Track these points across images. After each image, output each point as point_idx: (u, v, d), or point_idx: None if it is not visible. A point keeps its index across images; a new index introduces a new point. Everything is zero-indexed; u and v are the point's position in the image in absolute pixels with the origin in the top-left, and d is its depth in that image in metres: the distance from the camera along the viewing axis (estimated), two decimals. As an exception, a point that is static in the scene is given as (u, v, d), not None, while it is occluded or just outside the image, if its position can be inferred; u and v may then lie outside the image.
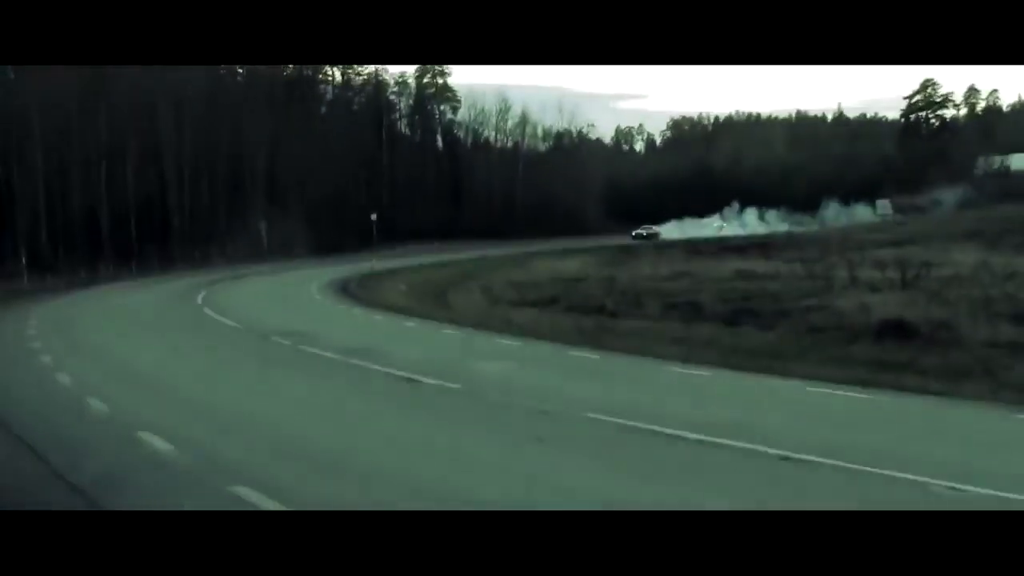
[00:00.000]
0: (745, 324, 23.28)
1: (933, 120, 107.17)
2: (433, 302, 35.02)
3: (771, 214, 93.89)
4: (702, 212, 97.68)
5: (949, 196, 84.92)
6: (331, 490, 8.81)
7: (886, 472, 8.93)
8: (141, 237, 69.48)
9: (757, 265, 40.03)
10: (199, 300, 36.39)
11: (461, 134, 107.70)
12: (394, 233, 78.52)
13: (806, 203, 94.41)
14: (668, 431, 11.00)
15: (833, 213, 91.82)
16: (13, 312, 34.15)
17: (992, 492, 8.23)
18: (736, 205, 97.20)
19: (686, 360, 17.91)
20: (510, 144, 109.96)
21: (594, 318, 26.33)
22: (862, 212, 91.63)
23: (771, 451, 9.85)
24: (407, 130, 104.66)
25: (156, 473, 9.71)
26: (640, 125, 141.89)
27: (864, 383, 14.83)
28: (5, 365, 19.58)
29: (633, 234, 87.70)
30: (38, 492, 9.05)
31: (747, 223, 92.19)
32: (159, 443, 10.88)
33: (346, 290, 40.94)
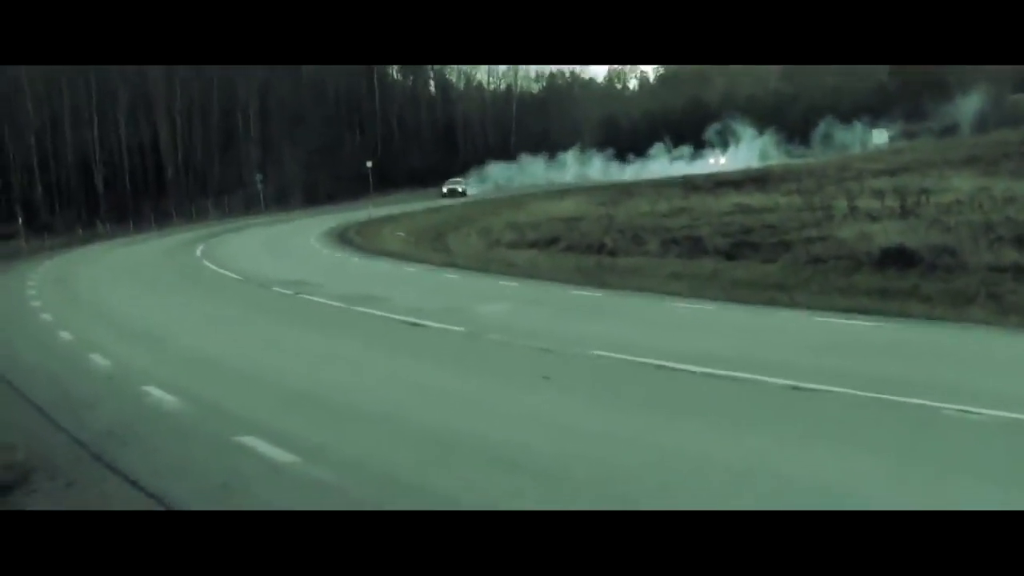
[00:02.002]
0: (746, 257, 23.20)
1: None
2: (432, 247, 34.94)
3: (767, 146, 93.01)
4: (697, 146, 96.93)
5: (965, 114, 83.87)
6: (337, 437, 8.77)
7: (896, 398, 8.87)
8: (136, 192, 69.33)
9: (755, 199, 39.81)
10: (198, 253, 36.33)
11: (453, 78, 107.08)
12: (390, 179, 78.23)
13: (802, 134, 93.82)
14: (674, 365, 10.94)
15: (829, 143, 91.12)
16: (12, 271, 34.11)
17: (1003, 413, 8.18)
18: (729, 139, 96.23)
19: (688, 295, 17.87)
20: (503, 87, 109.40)
21: (594, 257, 26.26)
22: (858, 140, 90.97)
23: (779, 381, 9.80)
24: (399, 75, 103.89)
25: (161, 425, 9.67)
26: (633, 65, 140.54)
27: (869, 311, 14.79)
28: (6, 324, 19.53)
29: (445, 190, 79.36)
30: (44, 448, 9.01)
31: (741, 156, 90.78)
32: (163, 396, 10.85)
33: (345, 238, 40.87)
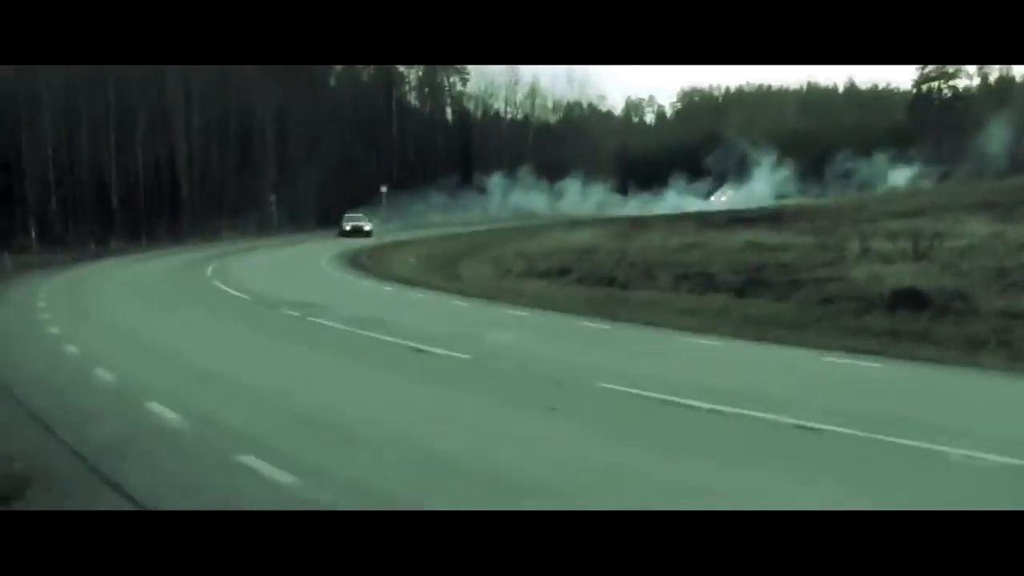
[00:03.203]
0: (757, 295, 23.17)
1: (946, 91, 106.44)
2: (443, 274, 34.96)
3: (782, 181, 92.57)
4: (712, 181, 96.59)
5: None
6: (338, 458, 8.72)
7: (902, 440, 8.79)
8: (151, 210, 69.40)
9: (768, 237, 39.80)
10: (209, 272, 36.32)
11: (471, 106, 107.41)
12: (405, 205, 78.30)
13: (817, 173, 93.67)
14: (681, 400, 10.87)
15: (846, 181, 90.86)
16: (23, 284, 34.12)
17: (1012, 460, 8.10)
18: (741, 176, 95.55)
19: (699, 330, 17.80)
20: (520, 116, 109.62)
21: (605, 289, 26.25)
22: (876, 175, 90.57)
23: (785, 420, 9.72)
24: (417, 102, 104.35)
25: (162, 441, 9.61)
26: (651, 97, 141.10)
27: (879, 353, 14.70)
28: (14, 336, 19.50)
29: (348, 227, 67.10)
30: (43, 460, 8.95)
31: (755, 193, 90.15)
32: (166, 412, 10.80)
33: (356, 262, 40.89)
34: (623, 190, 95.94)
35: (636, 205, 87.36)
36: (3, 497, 7.79)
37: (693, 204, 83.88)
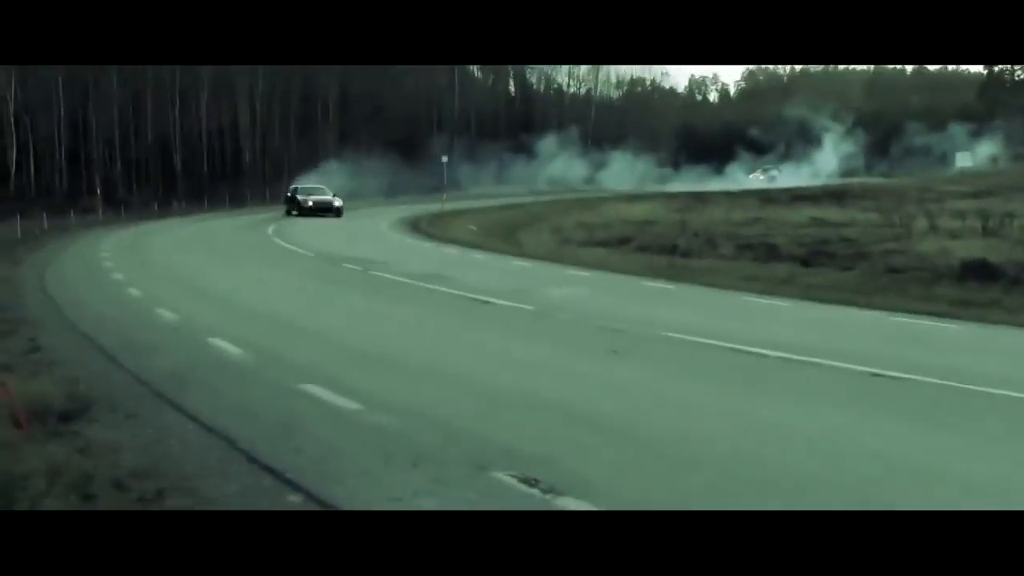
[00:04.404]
0: (822, 264, 22.81)
1: (1019, 73, 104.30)
2: (502, 240, 34.81)
3: (846, 161, 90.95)
4: (772, 159, 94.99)
5: None
6: (399, 390, 8.63)
7: (979, 388, 8.56)
8: (213, 173, 69.97)
9: (832, 213, 39.27)
10: (270, 231, 36.52)
11: (533, 80, 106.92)
12: (465, 175, 78.13)
13: (883, 150, 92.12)
14: (749, 349, 10.66)
15: (910, 163, 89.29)
16: (87, 238, 34.52)
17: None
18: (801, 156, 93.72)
19: (763, 293, 17.53)
20: (583, 91, 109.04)
21: (666, 257, 25.96)
22: (942, 162, 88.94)
23: (858, 367, 9.48)
24: (479, 73, 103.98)
25: (223, 371, 9.60)
26: (714, 75, 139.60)
27: (949, 316, 14.37)
28: (79, 281, 19.69)
29: (310, 203, 48.95)
30: (107, 385, 8.95)
31: (820, 170, 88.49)
32: (227, 347, 10.78)
33: (416, 227, 40.89)
34: (675, 166, 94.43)
35: (683, 182, 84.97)
36: (67, 415, 7.80)
37: (737, 182, 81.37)
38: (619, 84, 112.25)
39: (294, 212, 48.55)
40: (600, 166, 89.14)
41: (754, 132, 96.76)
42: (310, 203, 48.27)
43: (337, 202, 48.68)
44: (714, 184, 77.56)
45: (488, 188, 75.87)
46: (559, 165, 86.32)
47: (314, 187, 52.57)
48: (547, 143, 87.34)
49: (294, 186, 53.22)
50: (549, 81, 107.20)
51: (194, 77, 68.67)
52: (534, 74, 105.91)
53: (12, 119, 59.81)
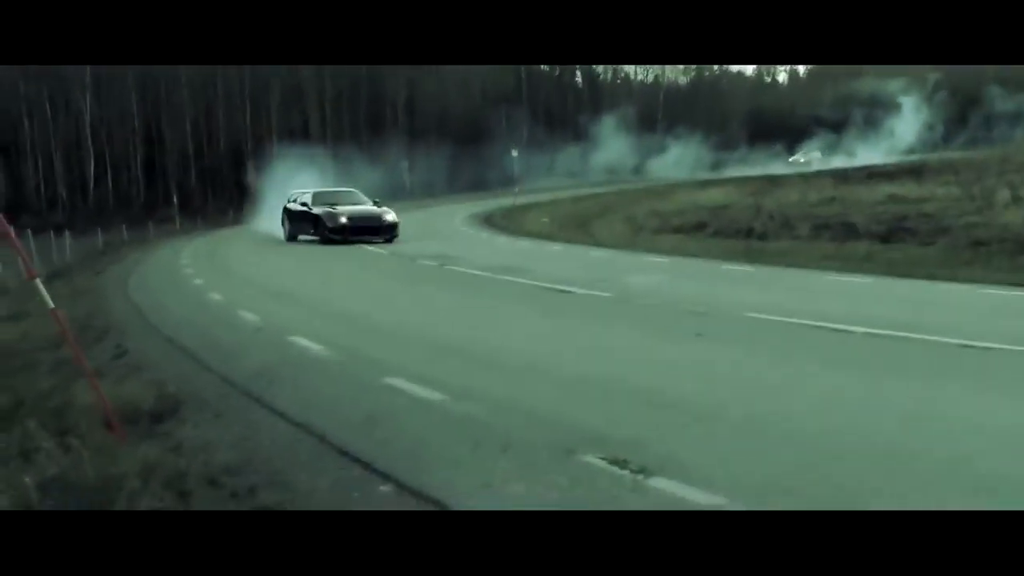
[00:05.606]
0: (903, 240, 22.48)
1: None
2: (576, 231, 34.72)
3: (922, 135, 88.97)
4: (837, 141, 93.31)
5: None
6: (482, 381, 8.61)
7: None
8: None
9: (910, 189, 38.59)
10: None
11: (600, 68, 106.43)
12: (535, 168, 78.07)
13: (962, 123, 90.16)
14: (834, 326, 10.50)
15: (988, 135, 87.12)
16: (167, 247, 35.09)
17: None
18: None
19: (844, 271, 17.30)
20: (651, 78, 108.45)
21: (743, 241, 25.73)
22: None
23: (948, 340, 9.30)
24: (545, 65, 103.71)
25: (307, 368, 9.65)
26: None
27: (1035, 286, 14.07)
28: (162, 287, 20.01)
29: (343, 220, 30.24)
30: (194, 386, 9.06)
31: (896, 147, 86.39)
32: (310, 345, 10.85)
33: (489, 221, 41.01)
34: (743, 148, 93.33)
35: (735, 168, 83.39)
36: (158, 415, 7.91)
37: (777, 166, 79.50)
38: (686, 70, 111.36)
39: (304, 237, 31.64)
40: (659, 151, 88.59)
41: (824, 111, 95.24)
42: (343, 220, 29.88)
43: (389, 216, 30.43)
44: (758, 169, 75.79)
45: (558, 180, 75.69)
46: (620, 152, 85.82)
47: (340, 191, 34.77)
48: (608, 129, 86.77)
49: (301, 194, 33.42)
50: (616, 69, 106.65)
51: (264, 85, 69.42)
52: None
53: (89, 133, 60.99)
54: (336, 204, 31.04)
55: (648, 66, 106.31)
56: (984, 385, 7.57)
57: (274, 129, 70.58)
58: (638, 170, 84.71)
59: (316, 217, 30.48)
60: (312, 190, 33.45)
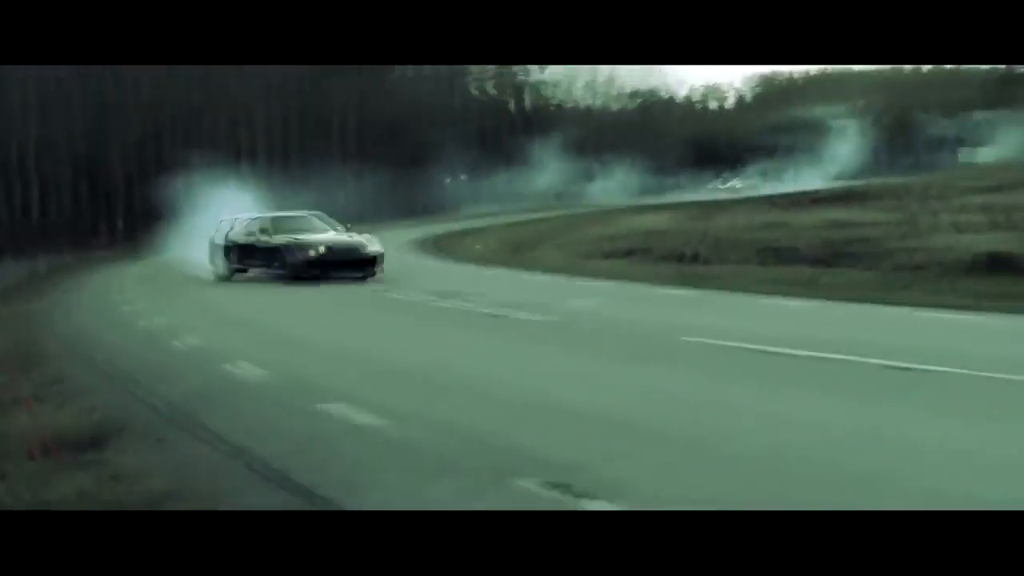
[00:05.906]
0: (842, 265, 22.64)
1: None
2: (516, 255, 34.63)
3: (857, 161, 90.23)
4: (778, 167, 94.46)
5: None
6: (423, 403, 8.53)
7: (1007, 376, 8.40)
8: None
9: (849, 214, 39.00)
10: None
11: (533, 95, 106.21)
12: (473, 193, 78.16)
13: (897, 148, 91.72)
14: (770, 349, 10.50)
15: (924, 159, 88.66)
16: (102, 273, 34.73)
17: None
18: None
19: (786, 295, 17.35)
20: (597, 103, 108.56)
21: (686, 266, 25.77)
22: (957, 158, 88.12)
23: (888, 363, 9.28)
24: (477, 92, 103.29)
25: (244, 393, 9.59)
26: (730, 82, 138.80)
27: (975, 309, 14.16)
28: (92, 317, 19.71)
29: (312, 253, 23.96)
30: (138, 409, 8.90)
31: (835, 171, 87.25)
32: (248, 368, 10.71)
33: (427, 247, 40.90)
34: (677, 175, 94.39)
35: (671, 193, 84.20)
36: (98, 441, 7.76)
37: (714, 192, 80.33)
38: (633, 95, 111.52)
39: (255, 272, 26.13)
40: (595, 177, 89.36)
41: (763, 137, 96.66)
42: (317, 252, 23.96)
43: (372, 246, 24.61)
44: (698, 195, 76.49)
45: (495, 205, 75.64)
46: (555, 177, 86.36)
47: (301, 216, 27.80)
48: (546, 155, 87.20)
49: (246, 220, 27.15)
50: (551, 96, 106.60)
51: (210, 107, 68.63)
52: (542, 86, 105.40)
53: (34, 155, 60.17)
54: (300, 232, 25.23)
55: (591, 91, 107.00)
56: (922, 407, 7.63)
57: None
58: (576, 195, 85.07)
59: (275, 249, 24.54)
60: (265, 215, 27.69)
